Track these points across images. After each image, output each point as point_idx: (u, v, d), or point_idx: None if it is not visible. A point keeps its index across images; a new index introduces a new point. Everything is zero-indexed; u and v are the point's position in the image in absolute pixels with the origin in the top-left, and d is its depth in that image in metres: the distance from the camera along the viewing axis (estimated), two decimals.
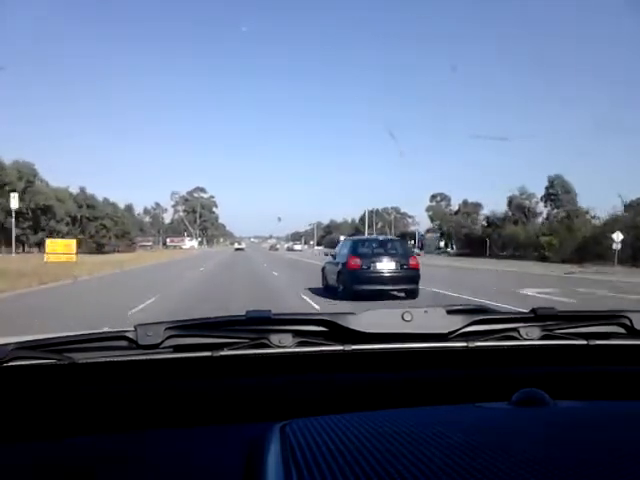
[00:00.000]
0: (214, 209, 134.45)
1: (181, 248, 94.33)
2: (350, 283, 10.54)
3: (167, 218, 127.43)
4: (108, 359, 0.97)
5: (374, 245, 12.00)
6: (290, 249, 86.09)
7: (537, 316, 1.10)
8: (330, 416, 0.79)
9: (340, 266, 11.16)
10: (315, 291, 12.66)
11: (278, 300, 10.95)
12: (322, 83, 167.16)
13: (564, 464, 0.58)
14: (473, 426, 0.73)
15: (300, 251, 78.58)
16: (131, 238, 68.02)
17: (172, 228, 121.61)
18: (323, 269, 13.37)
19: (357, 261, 10.69)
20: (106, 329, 1.08)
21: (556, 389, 0.89)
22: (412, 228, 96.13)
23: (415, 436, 0.68)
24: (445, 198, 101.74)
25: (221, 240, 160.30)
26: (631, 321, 1.11)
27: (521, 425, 0.74)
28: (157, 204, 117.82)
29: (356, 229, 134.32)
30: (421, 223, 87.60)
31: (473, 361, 1.10)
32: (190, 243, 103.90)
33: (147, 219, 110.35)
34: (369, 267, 10.60)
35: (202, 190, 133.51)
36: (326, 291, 12.26)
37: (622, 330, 1.14)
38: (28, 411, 0.92)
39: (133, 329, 0.98)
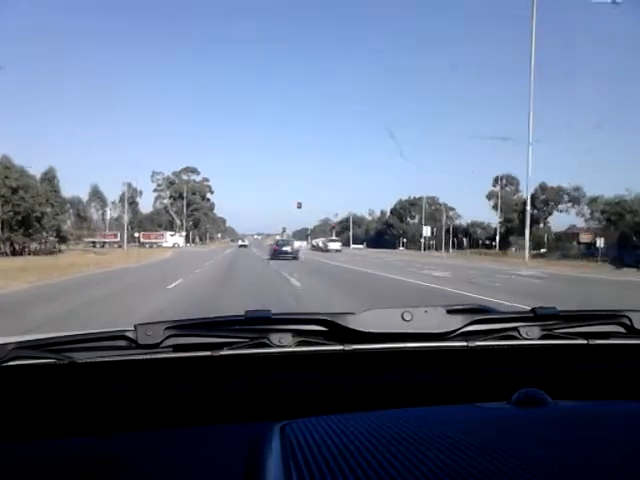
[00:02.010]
0: (208, 196, 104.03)
1: (160, 246, 70.16)
2: (273, 254, 31.85)
3: (148, 206, 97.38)
4: (108, 359, 0.97)
5: (283, 241, 37.67)
6: (321, 249, 59.81)
7: (537, 316, 1.10)
8: (330, 416, 0.79)
9: (271, 248, 34.72)
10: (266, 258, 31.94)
11: None
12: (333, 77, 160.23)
13: (564, 464, 0.58)
14: (473, 426, 0.74)
15: (339, 251, 50.52)
16: (46, 229, 37.63)
17: (152, 219, 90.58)
18: (269, 251, 35.07)
19: (275, 246, 33.82)
20: (106, 329, 1.08)
21: (556, 389, 0.90)
22: (457, 222, 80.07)
23: (415, 436, 0.68)
24: (512, 182, 76.93)
25: (218, 236, 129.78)
26: (631, 320, 1.11)
27: (521, 425, 0.74)
28: (127, 185, 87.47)
29: (387, 224, 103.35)
30: (464, 215, 77.59)
31: (473, 361, 1.09)
32: (173, 239, 73.28)
33: (109, 208, 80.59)
34: (280, 248, 32.62)
35: (193, 171, 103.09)
36: (269, 258, 31.50)
37: (622, 329, 1.13)
38: (28, 411, 0.92)
39: (133, 329, 0.98)
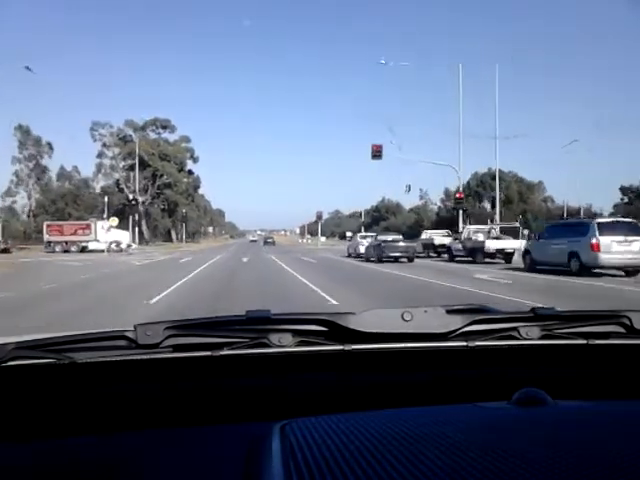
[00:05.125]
0: (189, 163, 66.44)
1: (83, 250, 40.32)
2: (264, 243, 61.61)
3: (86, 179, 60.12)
4: (107, 359, 0.97)
5: (268, 237, 71.95)
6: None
7: (537, 316, 1.10)
8: (330, 416, 0.79)
9: (262, 241, 66.03)
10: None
11: None
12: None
13: (564, 464, 0.59)
14: (473, 426, 0.74)
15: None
16: None
17: (77, 199, 52.88)
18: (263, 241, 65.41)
19: (264, 240, 65.24)
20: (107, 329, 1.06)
21: (556, 389, 0.90)
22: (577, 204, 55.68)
23: (415, 436, 0.68)
24: None
25: (209, 230, 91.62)
26: (631, 320, 1.11)
27: (521, 425, 0.74)
28: (21, 129, 50.46)
29: (455, 209, 65.17)
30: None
31: (473, 361, 1.09)
32: (110, 235, 34.60)
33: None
34: (266, 240, 64.60)
35: (165, 126, 65.19)
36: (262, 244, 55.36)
37: (622, 329, 1.13)
38: (28, 411, 0.92)
39: (133, 329, 0.98)
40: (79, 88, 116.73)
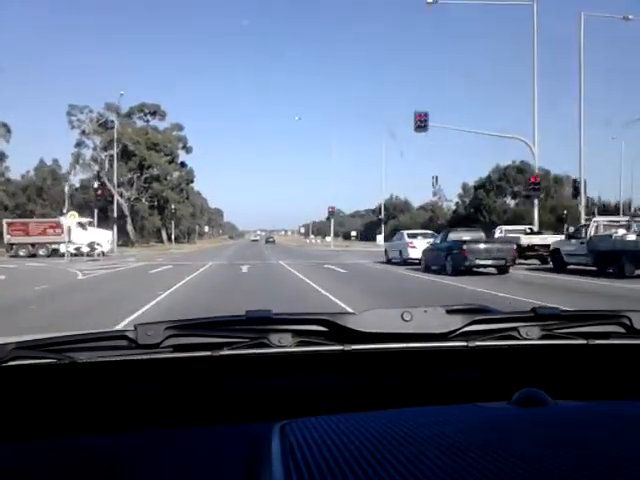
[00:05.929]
0: (180, 153, 59.28)
1: (54, 252, 33.04)
2: (265, 242, 71.10)
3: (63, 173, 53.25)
4: (108, 359, 0.97)
5: (269, 237, 79.46)
6: None
7: (537, 315, 1.10)
8: (330, 416, 0.79)
9: (263, 241, 69.06)
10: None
11: None
12: None
13: (564, 464, 0.59)
14: (473, 426, 0.74)
15: None
16: None
17: (42, 192, 46.36)
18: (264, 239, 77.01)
19: (266, 239, 73.13)
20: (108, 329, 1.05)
21: (556, 389, 0.90)
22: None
23: (415, 436, 0.68)
24: None
25: (206, 230, 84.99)
26: (631, 320, 1.11)
27: (521, 425, 0.74)
28: None
29: (474, 206, 64.70)
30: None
31: (473, 361, 1.09)
32: (87, 235, 27.00)
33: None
34: (267, 239, 74.05)
35: (154, 112, 58.20)
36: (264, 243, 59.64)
37: (622, 329, 1.13)
38: (28, 411, 0.92)
39: (133, 328, 0.98)
40: (78, 88, 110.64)
